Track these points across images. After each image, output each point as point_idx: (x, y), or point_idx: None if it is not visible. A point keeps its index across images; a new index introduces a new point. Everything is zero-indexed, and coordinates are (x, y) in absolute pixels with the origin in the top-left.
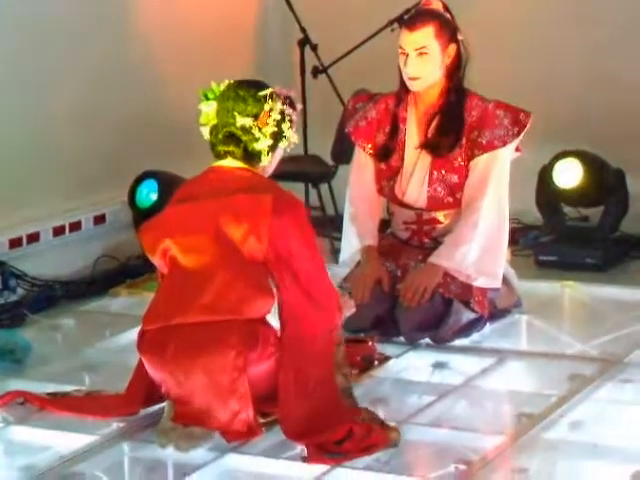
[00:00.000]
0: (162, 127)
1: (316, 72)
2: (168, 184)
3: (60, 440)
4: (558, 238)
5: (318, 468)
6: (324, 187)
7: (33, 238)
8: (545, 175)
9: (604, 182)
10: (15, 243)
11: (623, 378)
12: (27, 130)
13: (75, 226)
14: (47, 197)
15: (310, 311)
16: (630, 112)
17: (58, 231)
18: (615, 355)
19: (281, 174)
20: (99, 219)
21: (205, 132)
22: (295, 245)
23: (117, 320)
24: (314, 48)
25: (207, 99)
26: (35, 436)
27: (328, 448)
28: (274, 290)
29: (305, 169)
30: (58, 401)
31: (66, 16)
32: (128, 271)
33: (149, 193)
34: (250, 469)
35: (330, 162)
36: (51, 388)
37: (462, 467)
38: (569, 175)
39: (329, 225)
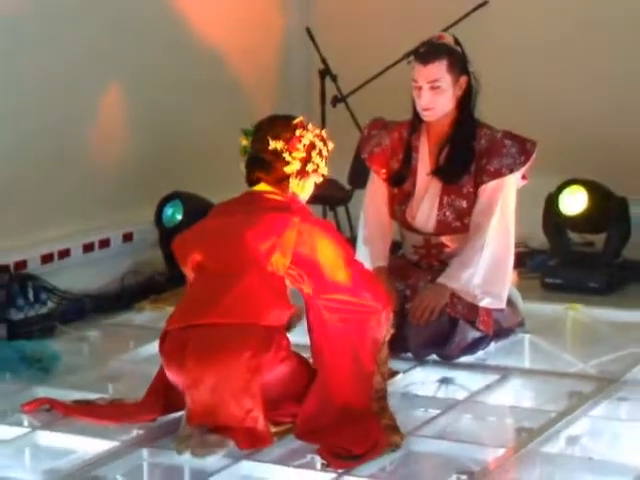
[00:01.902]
0: (188, 152)
1: (335, 101)
2: (192, 205)
3: (83, 445)
4: (563, 262)
5: (327, 476)
6: (341, 210)
7: (64, 254)
8: (552, 202)
9: (608, 210)
10: (47, 259)
11: (619, 396)
12: (60, 152)
13: (104, 243)
14: (78, 215)
15: (360, 308)
16: (634, 143)
17: (88, 248)
18: (612, 374)
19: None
20: (127, 237)
21: (242, 166)
22: (330, 252)
23: (141, 333)
24: (334, 78)
25: (246, 134)
26: (59, 441)
27: (340, 452)
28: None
29: (323, 193)
30: (82, 408)
31: (100, 41)
32: (153, 287)
33: (174, 213)
34: (263, 476)
35: (347, 186)
36: (76, 396)
37: (464, 477)
38: (574, 202)
39: None
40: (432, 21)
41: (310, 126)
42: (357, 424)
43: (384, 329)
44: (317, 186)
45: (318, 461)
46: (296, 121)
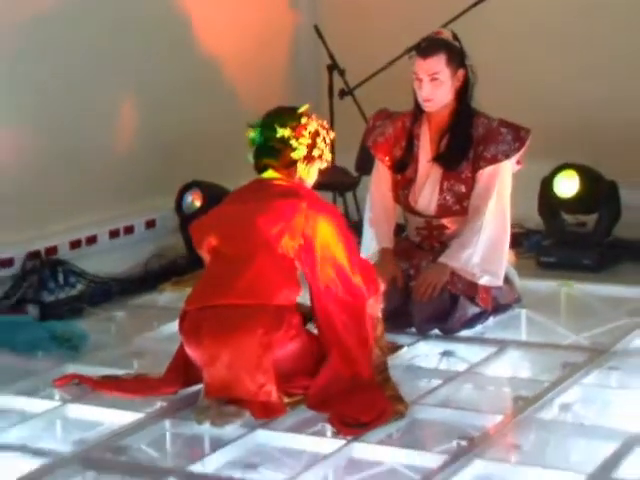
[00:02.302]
0: (207, 142)
1: (343, 94)
2: (211, 193)
3: (110, 417)
4: (558, 242)
5: (337, 442)
6: (349, 195)
7: (91, 240)
8: (546, 185)
9: (599, 192)
10: (75, 244)
11: (610, 366)
12: (86, 146)
13: (129, 230)
14: (104, 204)
15: (355, 291)
16: (623, 130)
17: (113, 234)
18: (603, 345)
19: (313, 185)
20: (150, 224)
21: (250, 156)
22: (331, 239)
23: (163, 313)
24: (341, 73)
25: (252, 127)
26: (88, 413)
27: (348, 421)
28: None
29: (333, 179)
30: (109, 383)
31: (132, 45)
32: (175, 270)
33: (194, 201)
34: (277, 444)
35: (354, 173)
36: (104, 372)
37: (464, 442)
38: (568, 185)
39: (353, 229)
40: (434, 15)
41: (314, 116)
42: (364, 395)
43: (376, 310)
44: (327, 173)
45: (329, 429)
46: (301, 110)
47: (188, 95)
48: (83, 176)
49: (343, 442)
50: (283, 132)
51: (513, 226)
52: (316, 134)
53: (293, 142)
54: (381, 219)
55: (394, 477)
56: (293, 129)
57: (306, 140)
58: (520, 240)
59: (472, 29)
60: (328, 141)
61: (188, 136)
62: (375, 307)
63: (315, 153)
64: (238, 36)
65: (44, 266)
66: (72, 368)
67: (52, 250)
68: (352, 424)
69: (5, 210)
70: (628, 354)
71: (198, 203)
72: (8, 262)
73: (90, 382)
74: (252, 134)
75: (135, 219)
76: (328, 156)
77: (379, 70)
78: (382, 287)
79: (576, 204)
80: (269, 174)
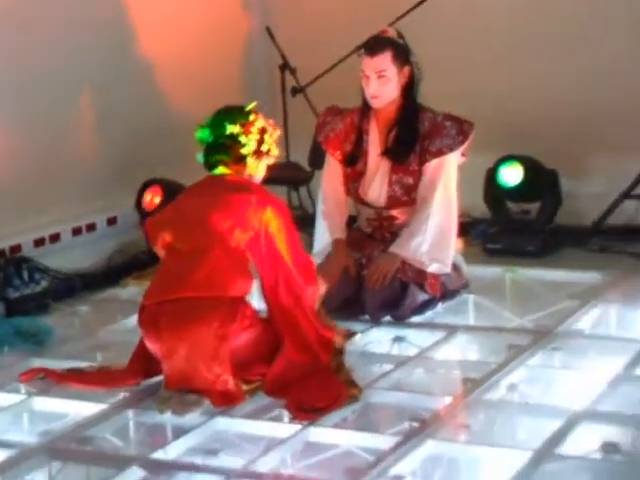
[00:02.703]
0: (165, 141)
1: (295, 92)
2: (170, 190)
3: (75, 408)
4: (503, 229)
5: (294, 427)
6: (303, 189)
7: (55, 238)
8: (491, 176)
9: (541, 181)
10: (39, 242)
11: (553, 347)
12: (50, 146)
13: (91, 227)
14: (66, 202)
15: (295, 281)
16: (564, 123)
17: (76, 231)
18: (546, 327)
19: (267, 179)
20: (111, 221)
21: (200, 156)
22: (277, 231)
23: (126, 306)
24: (293, 72)
25: (201, 127)
26: (54, 405)
27: (304, 406)
28: (254, 274)
29: (287, 175)
30: (73, 375)
31: (88, 46)
32: (136, 264)
33: (153, 198)
34: (236, 430)
35: (308, 168)
36: (68, 365)
37: (415, 424)
38: (511, 175)
39: (307, 222)
40: (381, 15)
41: (261, 114)
42: (319, 380)
43: (314, 302)
44: (282, 168)
45: (286, 415)
46: (249, 108)
47: (146, 96)
48: (46, 176)
49: (299, 427)
50: (232, 129)
51: (460, 215)
52: (264, 130)
53: (242, 138)
54: (333, 211)
55: (349, 459)
56: (242, 126)
57: (254, 136)
58: (467, 228)
59: (418, 27)
60: (275, 137)
61: (147, 136)
62: (312, 299)
63: (263, 148)
64: (193, 38)
65: (8, 264)
66: (37, 362)
67: (16, 248)
68: (308, 409)
69: None
70: (570, 335)
71: (157, 200)
72: None
73: (55, 375)
74: (201, 134)
75: (97, 217)
76: (275, 152)
77: (329, 68)
78: (322, 284)
79: (519, 193)
80: (220, 170)
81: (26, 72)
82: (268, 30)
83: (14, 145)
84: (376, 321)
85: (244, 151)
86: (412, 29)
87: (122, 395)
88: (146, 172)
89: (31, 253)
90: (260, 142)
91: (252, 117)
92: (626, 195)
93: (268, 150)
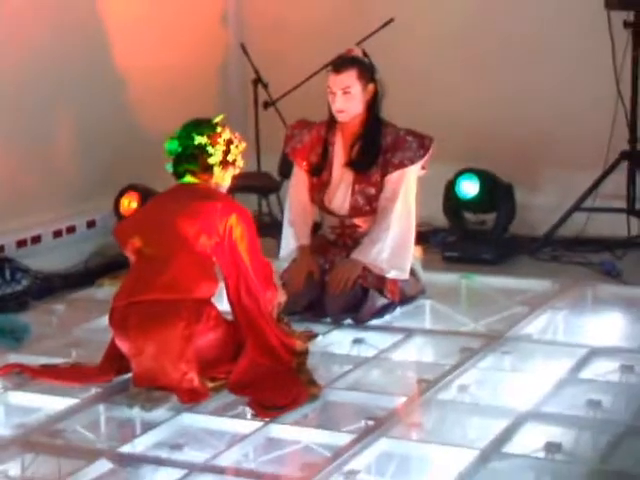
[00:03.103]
0: (142, 150)
1: (266, 105)
2: (146, 195)
3: (49, 403)
4: (460, 238)
5: (256, 424)
6: (273, 197)
7: (36, 239)
8: (450, 188)
9: (497, 194)
10: (21, 243)
11: (503, 350)
12: (33, 152)
13: (71, 229)
14: (48, 206)
15: (254, 284)
16: (519, 139)
17: (57, 233)
18: (498, 332)
19: (239, 187)
20: (90, 224)
21: (169, 166)
22: (239, 237)
23: (101, 306)
24: (265, 86)
25: (171, 139)
26: (29, 400)
27: (266, 404)
28: (219, 277)
29: (257, 183)
30: (48, 371)
31: (68, 57)
32: (114, 266)
33: (130, 203)
34: (200, 425)
35: (277, 177)
36: (43, 361)
37: (371, 422)
38: (469, 188)
39: (276, 228)
40: (348, 34)
41: (227, 126)
42: (281, 380)
43: (272, 308)
44: (253, 177)
45: (249, 412)
46: (216, 120)
47: (125, 106)
48: (28, 181)
49: (261, 423)
50: (200, 140)
51: (421, 224)
52: (230, 142)
53: (209, 148)
54: (299, 219)
55: (307, 454)
56: (209, 137)
57: (221, 147)
58: (427, 236)
59: (384, 45)
60: (240, 149)
61: (125, 145)
62: (270, 305)
63: (229, 158)
64: (173, 51)
65: None
66: (14, 358)
67: None
68: (269, 407)
69: None
70: (519, 340)
71: (134, 205)
72: None
73: (30, 371)
74: (170, 145)
75: (77, 220)
76: (240, 162)
77: (299, 84)
78: (282, 294)
79: (476, 204)
80: (188, 179)
81: (7, 80)
82: (242, 47)
83: (0, 152)
84: (337, 323)
85: (211, 161)
86: (378, 47)
87: (94, 390)
88: (124, 178)
89: (13, 254)
90: (226, 152)
91: (219, 129)
92: (576, 208)
93: (234, 160)
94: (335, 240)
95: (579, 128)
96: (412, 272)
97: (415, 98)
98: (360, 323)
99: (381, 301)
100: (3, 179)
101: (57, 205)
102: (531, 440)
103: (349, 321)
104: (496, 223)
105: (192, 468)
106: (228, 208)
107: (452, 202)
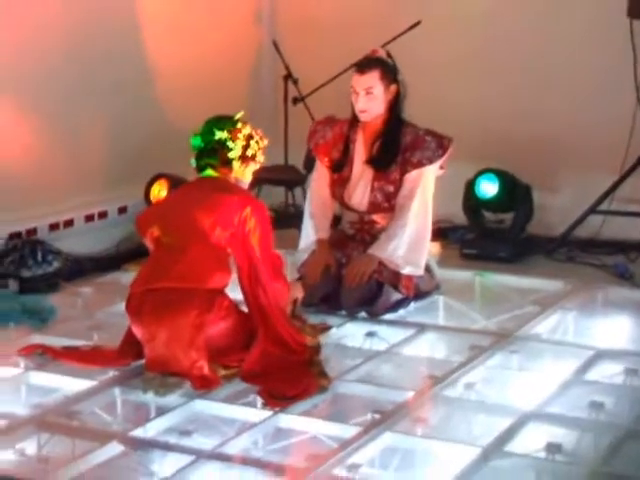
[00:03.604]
0: (173, 140)
1: (295, 101)
2: (175, 184)
3: (68, 384)
4: (479, 236)
5: (265, 413)
6: (298, 190)
7: (69, 223)
8: (469, 187)
9: (515, 194)
10: (54, 227)
11: (511, 349)
12: (69, 139)
13: (102, 215)
14: (82, 192)
15: (262, 275)
16: (537, 141)
17: (89, 218)
18: (507, 330)
19: (266, 180)
20: (122, 210)
21: (193, 161)
22: (252, 229)
23: (125, 290)
24: (295, 82)
25: (194, 135)
26: (48, 380)
27: (276, 394)
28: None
29: (284, 176)
30: (69, 353)
31: (107, 51)
32: (143, 252)
33: (160, 191)
34: (212, 412)
35: (303, 171)
36: (65, 342)
37: (377, 416)
38: (488, 188)
39: (301, 220)
40: (377, 34)
41: (248, 123)
42: (291, 371)
43: (284, 302)
44: (280, 171)
45: (259, 401)
46: (237, 117)
47: (159, 98)
48: (64, 167)
49: (270, 413)
50: (221, 135)
51: (442, 221)
52: (250, 137)
53: (229, 143)
54: (319, 213)
55: (313, 445)
56: (229, 132)
57: (241, 142)
58: (446, 233)
59: (412, 46)
60: (261, 145)
61: (157, 134)
62: (282, 299)
63: (249, 153)
64: (209, 47)
65: (24, 245)
66: (38, 338)
67: (32, 231)
68: (279, 397)
69: None
70: (528, 339)
71: (164, 192)
72: None
73: (52, 352)
74: (194, 140)
75: (109, 205)
76: (260, 158)
77: (328, 81)
78: (298, 290)
79: (495, 204)
80: (208, 173)
81: (41, 65)
82: (274, 44)
83: (36, 139)
84: (352, 316)
85: (231, 155)
86: (406, 48)
87: (111, 373)
88: (155, 167)
89: (46, 237)
90: (246, 147)
91: (239, 125)
92: (592, 210)
93: (253, 155)
94: (354, 235)
95: (598, 132)
96: (427, 268)
97: (437, 97)
98: (374, 317)
99: (396, 296)
100: (37, 164)
101: (90, 191)
102: (533, 440)
103: (363, 314)
104: (514, 223)
105: (199, 454)
106: (244, 201)
107: (471, 201)
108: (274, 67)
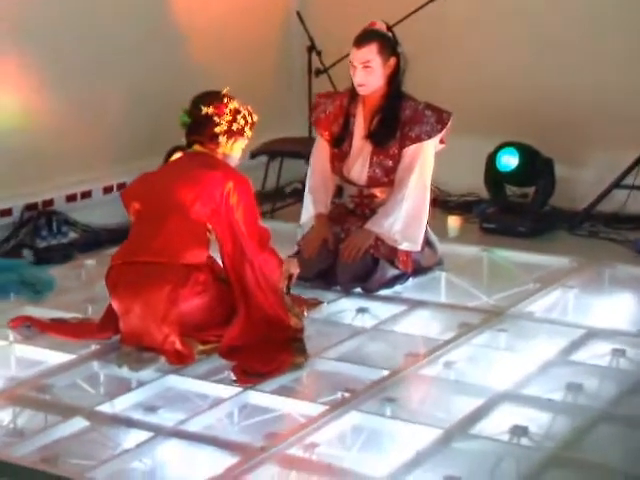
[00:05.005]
0: None
1: (318, 72)
2: None
3: (51, 357)
4: (500, 210)
5: (235, 389)
6: None
7: (86, 195)
8: (491, 160)
9: (537, 167)
10: (71, 198)
11: (499, 327)
12: (87, 111)
13: (121, 186)
14: (99, 162)
15: (248, 249)
16: (559, 113)
17: (107, 190)
18: (500, 308)
19: (289, 153)
20: None
21: (183, 139)
22: (236, 203)
23: None
24: (318, 53)
25: (184, 112)
26: (32, 353)
27: (249, 371)
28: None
29: (302, 149)
30: (55, 326)
31: (127, 16)
32: None
33: None
34: (184, 387)
35: None
36: (58, 314)
37: (347, 394)
38: (509, 160)
39: None
40: (400, 6)
41: (235, 98)
42: (267, 346)
43: (276, 275)
44: (299, 143)
45: (232, 377)
46: (223, 92)
47: (180, 66)
48: (82, 138)
49: (240, 389)
50: (207, 110)
51: (468, 194)
52: (236, 112)
53: (215, 118)
54: (319, 187)
55: (279, 423)
56: (215, 107)
57: (227, 117)
58: (470, 207)
59: (431, 20)
60: (249, 120)
61: (174, 105)
62: (275, 276)
63: (234, 127)
64: (232, 19)
65: (40, 216)
66: (32, 310)
67: (48, 202)
68: (251, 373)
69: (9, 166)
70: (520, 317)
71: None
72: (7, 212)
73: (38, 324)
74: (182, 117)
75: (127, 177)
76: (249, 133)
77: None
78: (294, 266)
79: (516, 177)
80: (196, 148)
81: (66, 40)
82: (298, 14)
83: (55, 110)
84: (347, 292)
85: (217, 130)
86: (426, 20)
87: (93, 347)
88: (174, 138)
89: (63, 208)
90: (232, 122)
91: (225, 100)
92: (616, 184)
93: (240, 130)
94: (354, 209)
95: (623, 105)
96: (429, 243)
97: (463, 70)
98: (369, 292)
99: (392, 272)
100: (56, 135)
101: (108, 162)
102: (502, 422)
103: (359, 290)
104: (534, 197)
105: (159, 431)
106: (226, 176)
107: (493, 174)
108: (298, 38)
